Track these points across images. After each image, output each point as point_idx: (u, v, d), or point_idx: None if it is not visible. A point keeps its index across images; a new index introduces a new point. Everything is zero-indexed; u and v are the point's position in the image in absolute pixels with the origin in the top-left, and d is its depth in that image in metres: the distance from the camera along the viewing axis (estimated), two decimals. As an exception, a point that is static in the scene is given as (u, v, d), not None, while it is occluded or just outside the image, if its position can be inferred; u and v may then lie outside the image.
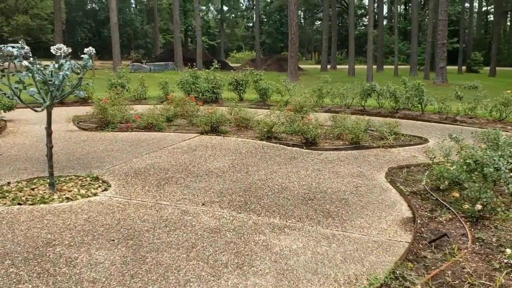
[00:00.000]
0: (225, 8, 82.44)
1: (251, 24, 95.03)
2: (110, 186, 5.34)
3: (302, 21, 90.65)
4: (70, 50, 4.88)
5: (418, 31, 36.99)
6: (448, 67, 28.66)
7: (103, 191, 5.20)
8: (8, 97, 4.87)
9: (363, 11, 78.96)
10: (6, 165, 6.18)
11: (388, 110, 11.59)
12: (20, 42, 4.84)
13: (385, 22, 58.03)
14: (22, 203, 4.75)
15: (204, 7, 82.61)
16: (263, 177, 5.68)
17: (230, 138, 8.19)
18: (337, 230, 4.03)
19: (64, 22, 48.89)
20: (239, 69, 43.19)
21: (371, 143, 7.65)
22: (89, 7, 69.23)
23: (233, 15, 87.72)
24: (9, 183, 5.42)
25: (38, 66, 4.70)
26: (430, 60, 32.24)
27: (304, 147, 7.38)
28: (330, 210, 4.53)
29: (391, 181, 5.59)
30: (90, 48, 5.09)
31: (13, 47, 4.80)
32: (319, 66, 49.68)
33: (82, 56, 5.02)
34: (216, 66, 13.78)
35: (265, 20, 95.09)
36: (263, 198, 4.88)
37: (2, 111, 8.82)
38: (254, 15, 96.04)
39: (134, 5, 74.62)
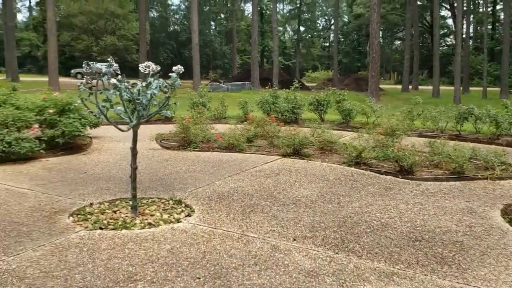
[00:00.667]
0: (301, 28, 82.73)
1: (327, 44, 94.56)
2: (193, 211, 5.02)
3: (381, 41, 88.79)
4: (158, 68, 4.65)
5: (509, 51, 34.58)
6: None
7: (186, 216, 4.88)
8: (95, 115, 4.72)
9: (446, 30, 75.76)
10: (89, 184, 6.09)
11: (488, 136, 10.53)
12: (109, 59, 4.69)
13: (470, 42, 55.04)
14: (103, 227, 4.53)
15: (281, 28, 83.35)
16: (357, 210, 5.10)
17: (314, 163, 7.68)
18: (457, 282, 3.37)
19: (148, 43, 51.12)
20: (316, 89, 42.72)
21: (475, 173, 6.80)
22: (171, 28, 72.26)
23: (309, 35, 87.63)
24: (91, 204, 5.26)
25: (126, 84, 4.50)
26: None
27: (400, 176, 6.69)
28: (443, 255, 3.86)
29: (510, 221, 4.79)
30: (179, 66, 4.84)
31: (108, 59, 4.66)
32: (398, 86, 47.97)
33: (170, 74, 4.78)
34: (297, 85, 13.38)
35: (342, 39, 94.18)
36: (362, 236, 4.30)
37: (88, 127, 8.92)
38: (332, 35, 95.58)
39: (213, 27, 76.92)
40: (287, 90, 13.48)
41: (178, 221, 4.74)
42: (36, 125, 7.94)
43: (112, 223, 4.65)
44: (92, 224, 4.59)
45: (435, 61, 32.75)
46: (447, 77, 65.48)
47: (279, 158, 8.00)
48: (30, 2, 78.41)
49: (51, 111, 8.14)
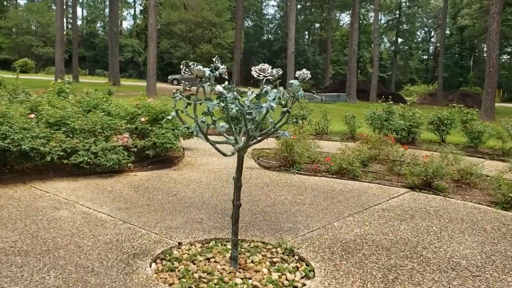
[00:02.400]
0: (399, 40, 79.15)
1: (425, 57, 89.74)
2: (312, 271, 3.65)
3: (484, 55, 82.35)
4: (280, 73, 3.37)
5: None
6: None
7: (303, 278, 3.54)
8: (192, 132, 3.54)
9: None
10: (179, 213, 4.97)
11: None
12: (214, 59, 3.50)
13: None
14: (193, 287, 3.31)
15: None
16: (557, 291, 3.44)
17: (454, 201, 6.00)
18: None
19: (242, 52, 51.11)
20: (416, 104, 39.83)
21: None
22: (265, 37, 72.22)
23: (407, 46, 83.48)
24: (180, 244, 4.10)
25: (234, 93, 3.28)
26: None
27: None
28: None
29: None
30: (304, 70, 3.53)
31: (204, 66, 3.46)
32: (507, 105, 43.45)
33: (291, 82, 3.48)
34: (414, 100, 11.60)
35: (443, 53, 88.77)
36: None
37: (181, 138, 7.94)
38: (431, 48, 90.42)
39: (307, 36, 75.84)
40: (401, 104, 11.76)
41: (294, 287, 3.40)
42: (127, 134, 7.07)
43: (204, 279, 3.43)
44: (179, 280, 3.40)
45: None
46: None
47: (406, 191, 6.41)
48: (135, 11, 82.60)
49: (143, 119, 7.24)
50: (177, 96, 3.36)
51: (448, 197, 6.18)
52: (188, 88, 3.48)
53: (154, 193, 5.76)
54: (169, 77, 45.90)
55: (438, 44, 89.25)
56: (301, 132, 8.64)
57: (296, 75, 3.50)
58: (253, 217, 4.93)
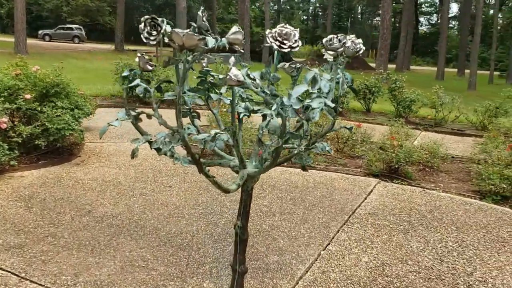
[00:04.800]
0: (282, -1, 79.46)
1: (305, 17, 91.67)
2: None
3: (359, 17, 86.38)
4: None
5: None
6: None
7: None
8: (173, 155, 1.93)
9: (432, 8, 73.94)
10: (106, 248, 3.30)
11: None
12: (200, 12, 1.89)
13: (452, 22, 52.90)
14: None
15: (260, -4, 79.29)
16: None
17: (436, 194, 5.07)
18: None
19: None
20: (304, 65, 40.04)
21: None
22: (146, -10, 67.36)
23: (289, 6, 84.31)
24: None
25: (270, 87, 1.74)
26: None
27: None
28: None
29: None
30: (351, 37, 2.07)
31: (152, 26, 1.82)
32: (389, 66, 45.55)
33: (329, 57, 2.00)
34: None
35: (320, 13, 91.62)
36: None
37: (83, 118, 5.92)
38: (310, 8, 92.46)
39: (191, -8, 72.39)
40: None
41: None
42: (4, 118, 4.98)
43: None
44: None
45: (440, 42, 30.40)
46: (431, 57, 63.80)
47: (377, 182, 5.34)
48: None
49: (28, 96, 5.16)
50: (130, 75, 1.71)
51: (427, 189, 5.24)
52: (151, 61, 1.85)
53: (58, 210, 3.95)
54: (40, 32, 40.43)
55: (317, 5, 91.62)
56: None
57: (329, 45, 2.00)
58: (216, 244, 3.45)
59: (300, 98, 1.72)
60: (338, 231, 3.87)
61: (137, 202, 4.28)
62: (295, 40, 1.94)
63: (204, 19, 1.86)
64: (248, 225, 3.64)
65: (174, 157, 1.95)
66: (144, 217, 3.92)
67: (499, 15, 44.88)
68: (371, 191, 5.02)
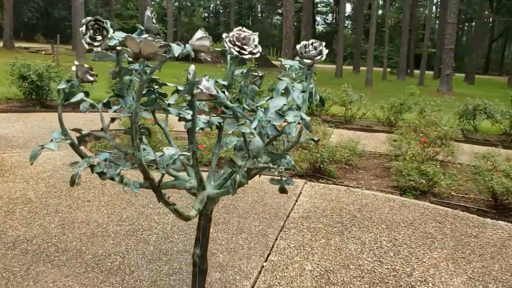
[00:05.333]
0: (182, -5, 78.35)
1: (206, 14, 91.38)
2: None
3: (259, 15, 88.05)
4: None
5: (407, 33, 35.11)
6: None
7: None
8: (122, 180, 1.66)
9: (328, 8, 77.42)
10: (26, 275, 2.86)
11: (497, 137, 8.95)
12: (148, 12, 1.63)
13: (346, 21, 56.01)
14: None
15: (161, -7, 77.53)
16: None
17: (361, 192, 5.18)
18: None
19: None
20: (210, 63, 39.91)
21: None
22: (35, -17, 62.79)
23: (190, 3, 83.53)
24: None
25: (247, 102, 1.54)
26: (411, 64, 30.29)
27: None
28: None
29: None
30: (313, 41, 1.94)
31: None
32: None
33: (286, 62, 1.86)
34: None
35: (222, 10, 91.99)
36: None
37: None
38: (212, 5, 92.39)
39: (85, -14, 68.74)
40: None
41: None
42: None
43: None
44: None
45: (338, 41, 31.83)
46: (328, 55, 66.92)
47: (303, 183, 5.33)
48: None
49: None
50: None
51: (351, 187, 5.33)
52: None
53: (-43, 238, 3.40)
54: None
55: (218, 2, 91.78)
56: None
57: (305, 52, 1.87)
58: (151, 264, 3.16)
59: (279, 112, 1.55)
60: (276, 239, 3.75)
61: (54, 221, 3.83)
62: (255, 45, 1.76)
63: (154, 20, 1.61)
64: (180, 238, 3.40)
65: (124, 182, 1.67)
66: (64, 239, 3.50)
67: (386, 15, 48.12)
68: (300, 192, 4.99)
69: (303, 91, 1.66)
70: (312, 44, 1.65)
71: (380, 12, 55.24)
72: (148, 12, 1.64)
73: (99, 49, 1.48)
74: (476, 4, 41.83)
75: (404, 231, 4.07)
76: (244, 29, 1.79)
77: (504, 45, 62.63)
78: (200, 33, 1.56)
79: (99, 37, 1.47)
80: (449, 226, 4.25)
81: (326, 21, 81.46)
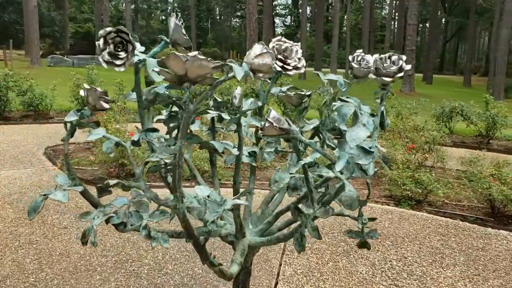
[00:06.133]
0: (138, -2, 76.88)
1: (164, 17, 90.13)
2: None
3: (218, 18, 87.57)
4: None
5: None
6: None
7: None
8: (149, 234, 1.29)
9: (287, 10, 77.87)
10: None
11: (472, 138, 8.95)
12: (174, 19, 1.28)
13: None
14: None
15: (116, -5, 75.69)
16: None
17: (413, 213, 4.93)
18: None
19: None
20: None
21: None
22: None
23: (146, 6, 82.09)
24: None
25: None
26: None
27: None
28: None
29: None
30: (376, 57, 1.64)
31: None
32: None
33: (329, 76, 1.55)
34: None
35: (179, 13, 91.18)
36: None
37: None
38: (169, 8, 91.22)
39: (37, -12, 66.32)
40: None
41: None
42: None
43: None
44: None
45: (302, 42, 31.93)
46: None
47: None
48: None
49: None
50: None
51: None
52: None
53: None
54: None
55: (176, 4, 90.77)
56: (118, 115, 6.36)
57: (383, 68, 1.55)
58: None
59: (365, 147, 1.24)
60: (280, 264, 3.44)
61: (28, 255, 3.37)
62: (299, 58, 1.44)
63: (183, 30, 1.27)
64: (176, 269, 3.04)
65: (152, 237, 1.32)
66: (43, 277, 3.06)
67: (345, 17, 48.76)
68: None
69: (372, 115, 1.36)
70: (389, 58, 1.35)
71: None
72: (174, 20, 1.29)
73: (122, 68, 1.14)
74: (430, 5, 42.90)
75: (410, 247, 3.85)
76: (284, 38, 1.48)
77: (457, 45, 64.75)
78: (258, 48, 1.22)
79: (122, 54, 1.13)
80: (453, 239, 4.06)
81: (285, 23, 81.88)
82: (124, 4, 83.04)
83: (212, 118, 1.62)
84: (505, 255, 3.77)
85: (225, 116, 1.51)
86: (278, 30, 79.75)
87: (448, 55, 66.00)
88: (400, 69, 1.29)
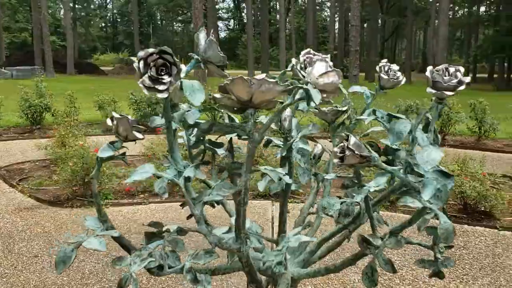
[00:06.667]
0: (77, 6, 74.37)
1: (103, 24, 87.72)
2: None
3: (159, 23, 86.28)
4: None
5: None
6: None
7: None
8: (195, 278, 1.14)
9: (229, 14, 77.93)
10: None
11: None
12: (204, 34, 1.15)
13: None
14: None
15: (51, 3, 72.79)
16: None
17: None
18: None
19: None
20: (113, 73, 37.93)
21: None
22: None
23: (84, 13, 79.55)
24: None
25: None
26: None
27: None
28: None
29: None
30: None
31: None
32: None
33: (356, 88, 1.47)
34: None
35: (119, 19, 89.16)
36: None
37: None
38: (109, 14, 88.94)
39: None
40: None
41: None
42: None
43: None
44: None
45: (248, 45, 31.92)
46: (234, 61, 67.14)
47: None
48: None
49: None
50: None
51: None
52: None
53: None
54: None
55: (115, 11, 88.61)
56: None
57: (433, 78, 1.44)
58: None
59: (445, 171, 1.16)
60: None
61: (-1, 292, 3.08)
62: (336, 77, 1.34)
63: (218, 47, 1.15)
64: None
65: (197, 280, 1.17)
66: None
67: (287, 20, 49.43)
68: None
69: (424, 130, 1.28)
70: (447, 70, 1.27)
71: (277, 17, 56.51)
72: (204, 35, 1.16)
73: (165, 94, 0.99)
74: (369, 6, 44.29)
75: (396, 251, 3.84)
76: (311, 50, 1.38)
77: (395, 43, 67.23)
78: (322, 66, 1.09)
79: (165, 78, 0.98)
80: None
81: (229, 27, 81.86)
82: (62, 12, 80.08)
83: (230, 139, 1.50)
84: (487, 252, 3.85)
85: (276, 141, 1.39)
86: (222, 34, 79.59)
87: (387, 54, 68.44)
88: (460, 82, 1.22)
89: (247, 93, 0.94)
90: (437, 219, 1.19)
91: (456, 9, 54.01)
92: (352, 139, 1.12)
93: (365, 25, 56.94)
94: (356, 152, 1.10)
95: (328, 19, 55.08)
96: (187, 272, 1.14)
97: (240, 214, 1.10)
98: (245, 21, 65.75)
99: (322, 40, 50.93)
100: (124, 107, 9.51)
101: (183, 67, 1.03)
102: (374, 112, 1.50)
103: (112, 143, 1.18)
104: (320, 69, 1.09)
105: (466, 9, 52.93)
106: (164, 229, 1.09)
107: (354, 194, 1.39)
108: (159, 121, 1.24)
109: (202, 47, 1.18)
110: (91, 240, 1.13)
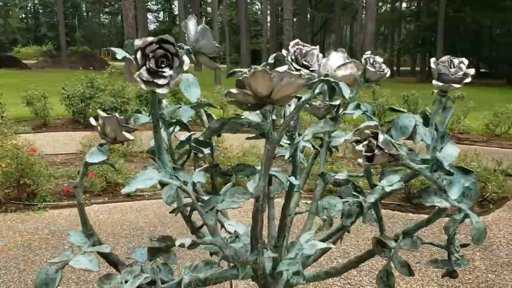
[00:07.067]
0: (-6, -6, 69.60)
1: (24, 15, 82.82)
2: None
3: (85, 14, 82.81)
4: None
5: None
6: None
7: None
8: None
9: (159, 6, 76.13)
10: None
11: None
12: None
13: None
14: None
15: (-37, -9, 67.45)
16: None
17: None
18: None
19: None
20: (37, 67, 35.85)
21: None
22: None
23: (1, 3, 74.61)
24: None
25: None
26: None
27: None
28: None
29: None
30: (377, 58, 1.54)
31: None
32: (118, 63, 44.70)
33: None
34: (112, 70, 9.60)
35: (41, 10, 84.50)
36: None
37: None
38: (29, 4, 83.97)
39: None
40: (88, 75, 9.49)
41: None
42: None
43: None
44: None
45: (180, 38, 31.39)
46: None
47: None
48: None
49: None
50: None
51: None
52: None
53: None
54: None
55: (36, 1, 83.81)
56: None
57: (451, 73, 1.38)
58: None
59: (467, 168, 1.11)
60: None
61: None
62: (319, 64, 1.29)
63: (210, 34, 1.05)
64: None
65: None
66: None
67: (218, 12, 49.18)
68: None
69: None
70: (451, 61, 1.22)
71: (209, 9, 56.04)
72: (194, 22, 1.05)
73: (165, 90, 0.87)
74: (299, 0, 45.03)
75: (351, 242, 3.90)
76: (299, 41, 1.31)
77: (323, 38, 68.96)
78: (339, 58, 1.00)
79: (167, 71, 0.86)
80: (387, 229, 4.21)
81: (158, 19, 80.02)
82: (-26, 0, 74.57)
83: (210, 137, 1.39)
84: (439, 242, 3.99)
85: (284, 140, 1.30)
86: (152, 26, 77.66)
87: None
88: (466, 74, 1.20)
89: (268, 87, 0.85)
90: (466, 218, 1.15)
91: (380, 5, 56.29)
92: (381, 137, 1.07)
93: (294, 19, 57.90)
94: (386, 150, 1.05)
95: (259, 13, 55.58)
96: (187, 287, 1.04)
97: (258, 222, 1.01)
98: (176, 13, 64.62)
99: (255, 34, 51.20)
100: (55, 103, 8.96)
101: (186, 59, 0.92)
102: (358, 106, 1.45)
103: (101, 145, 1.04)
104: (337, 60, 1.02)
105: (389, 5, 55.22)
106: (177, 244, 0.97)
107: (354, 194, 1.34)
108: (144, 119, 1.12)
109: (193, 36, 1.07)
110: (79, 258, 0.98)
